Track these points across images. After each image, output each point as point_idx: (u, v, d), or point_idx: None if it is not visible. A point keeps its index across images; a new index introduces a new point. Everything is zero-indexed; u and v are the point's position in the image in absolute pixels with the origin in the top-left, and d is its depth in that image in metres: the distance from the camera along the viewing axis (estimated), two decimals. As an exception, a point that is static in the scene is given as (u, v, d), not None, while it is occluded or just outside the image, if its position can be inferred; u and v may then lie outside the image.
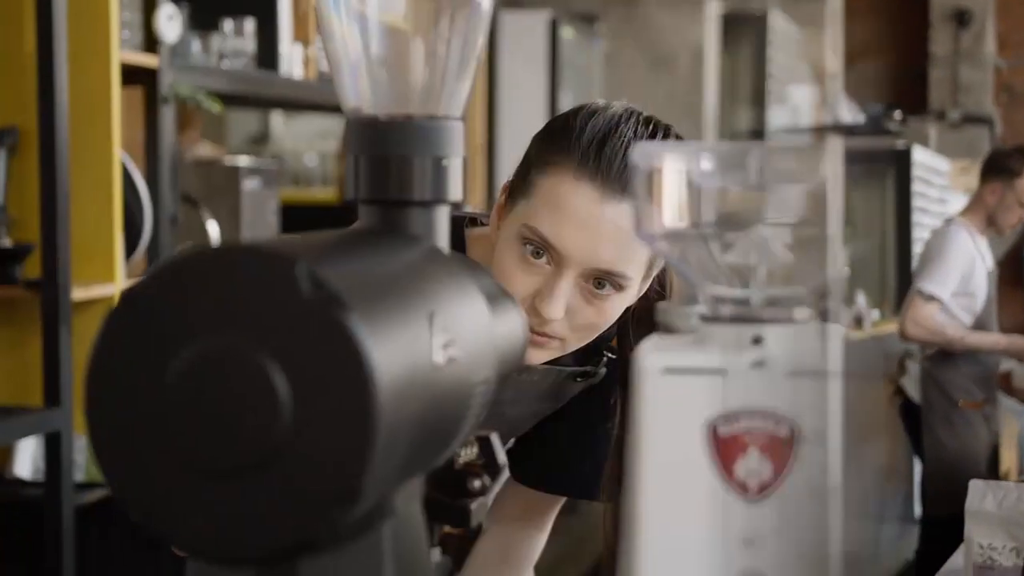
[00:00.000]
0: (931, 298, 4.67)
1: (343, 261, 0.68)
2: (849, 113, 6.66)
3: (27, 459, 3.31)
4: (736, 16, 7.05)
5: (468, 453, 0.88)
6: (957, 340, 4.72)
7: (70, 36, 2.63)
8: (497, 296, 0.87)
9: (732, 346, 0.71)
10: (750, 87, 7.49)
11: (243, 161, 3.68)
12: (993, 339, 4.94)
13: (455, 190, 0.82)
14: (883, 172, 7.24)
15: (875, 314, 6.29)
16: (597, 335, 1.38)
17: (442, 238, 0.82)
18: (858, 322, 5.86)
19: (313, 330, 0.62)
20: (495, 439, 0.88)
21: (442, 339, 0.71)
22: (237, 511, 0.63)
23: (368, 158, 0.80)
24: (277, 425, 0.62)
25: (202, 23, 3.42)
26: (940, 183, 7.58)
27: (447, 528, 0.89)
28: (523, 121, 5.09)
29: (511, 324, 0.88)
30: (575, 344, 1.38)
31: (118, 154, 2.76)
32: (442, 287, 0.75)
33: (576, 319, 1.33)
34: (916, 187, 7.19)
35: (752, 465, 0.69)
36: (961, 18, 8.63)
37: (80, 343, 2.65)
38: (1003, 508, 1.95)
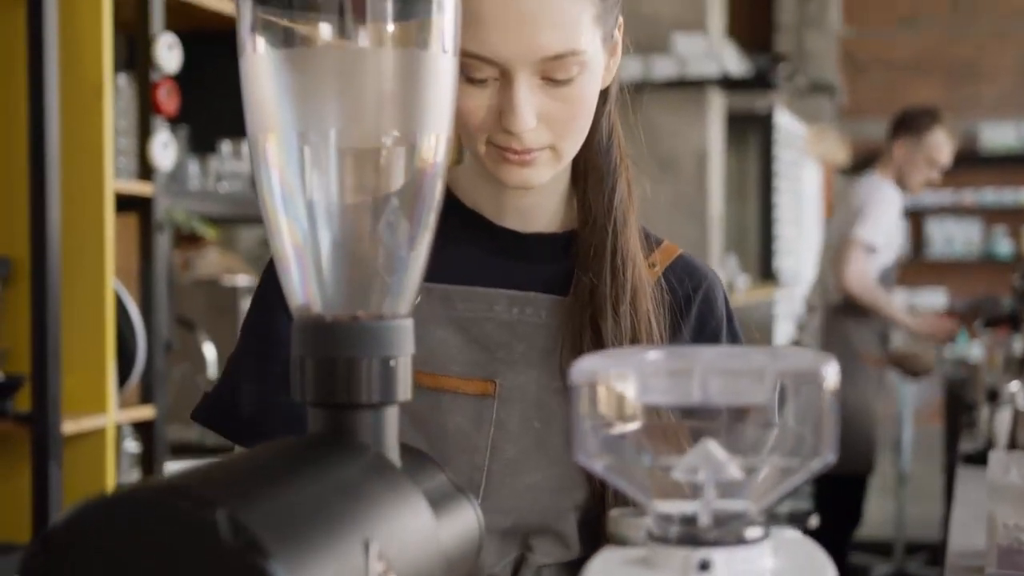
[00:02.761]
0: (870, 249, 4.59)
1: (270, 494, 0.65)
2: (735, 63, 6.48)
3: (18, 594, 3.26)
4: (741, 115, 7.08)
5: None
6: (884, 308, 4.64)
7: (64, 166, 2.64)
8: (447, 496, 0.85)
9: (679, 571, 0.68)
10: (757, 183, 7.50)
11: (242, 280, 3.68)
12: (916, 321, 4.89)
13: (404, 390, 0.81)
14: (744, 134, 7.23)
15: (744, 280, 6.27)
16: (587, 130, 1.28)
17: (390, 441, 0.80)
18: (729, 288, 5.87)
19: (233, 579, 0.60)
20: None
21: (379, 568, 0.68)
22: None
23: (315, 360, 0.79)
24: None
25: (201, 145, 3.43)
26: (797, 147, 7.64)
27: None
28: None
29: (462, 524, 0.85)
30: (570, 149, 1.27)
31: (111, 284, 2.75)
32: (382, 506, 0.73)
33: (552, 119, 1.23)
34: (775, 151, 7.21)
35: None
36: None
37: (71, 478, 2.62)
38: None
